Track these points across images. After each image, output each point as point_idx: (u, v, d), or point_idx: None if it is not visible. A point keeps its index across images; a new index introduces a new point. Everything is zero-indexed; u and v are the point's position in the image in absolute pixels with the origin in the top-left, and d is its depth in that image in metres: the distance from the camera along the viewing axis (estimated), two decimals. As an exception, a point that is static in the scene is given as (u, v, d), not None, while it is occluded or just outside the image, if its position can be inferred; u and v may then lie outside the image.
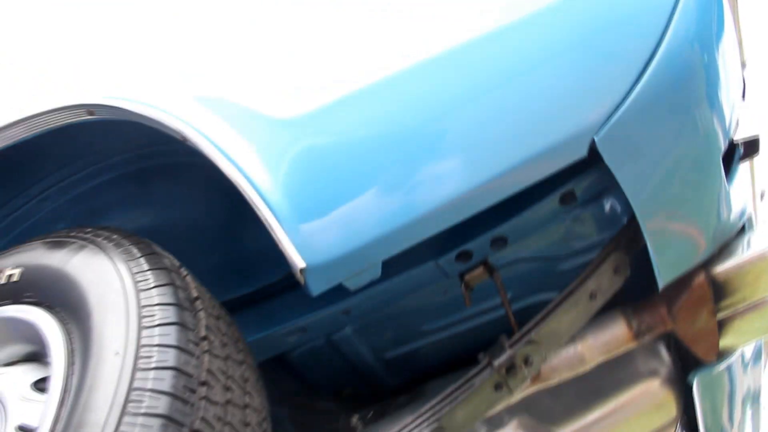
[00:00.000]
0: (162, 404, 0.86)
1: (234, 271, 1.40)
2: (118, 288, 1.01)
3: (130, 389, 0.87)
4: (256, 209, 0.98)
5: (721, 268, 1.20)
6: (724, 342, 1.30)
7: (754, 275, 1.20)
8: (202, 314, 1.02)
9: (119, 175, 1.38)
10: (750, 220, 1.27)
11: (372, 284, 1.34)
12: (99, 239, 1.13)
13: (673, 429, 1.53)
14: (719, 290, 1.21)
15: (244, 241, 1.38)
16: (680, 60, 0.99)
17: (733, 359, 1.39)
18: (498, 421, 1.50)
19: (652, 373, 1.45)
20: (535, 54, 0.97)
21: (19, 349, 1.13)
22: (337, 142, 1.01)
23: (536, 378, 1.29)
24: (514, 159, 0.98)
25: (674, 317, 1.25)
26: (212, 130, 1.04)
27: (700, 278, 1.20)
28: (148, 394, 0.86)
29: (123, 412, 0.84)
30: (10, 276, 1.14)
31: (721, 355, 1.34)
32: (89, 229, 1.17)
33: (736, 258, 1.20)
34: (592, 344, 1.28)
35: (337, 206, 0.98)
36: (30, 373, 1.07)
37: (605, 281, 1.14)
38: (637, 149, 1.01)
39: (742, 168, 1.27)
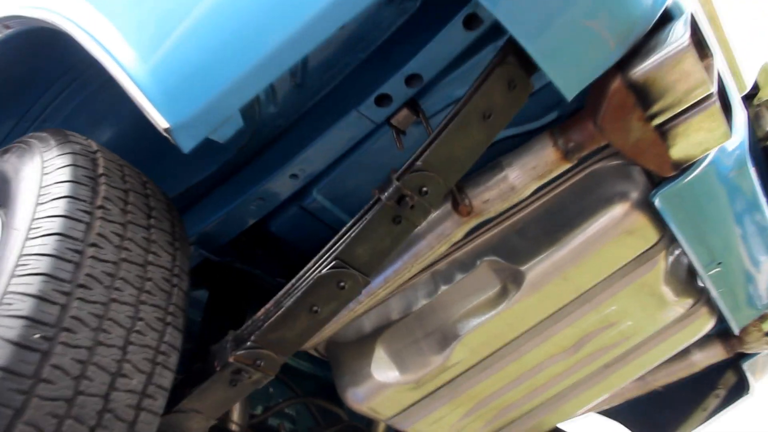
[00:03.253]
0: (43, 265, 0.96)
1: (182, 164, 1.49)
2: (32, 176, 1.12)
3: (20, 256, 0.98)
4: (117, 81, 1.03)
5: (639, 69, 1.08)
6: (676, 153, 1.18)
7: (680, 72, 1.06)
8: (102, 188, 1.10)
9: (93, 91, 1.50)
10: (676, 5, 1.11)
11: (304, 144, 1.38)
12: (32, 140, 1.24)
13: (663, 252, 1.44)
14: (643, 94, 1.09)
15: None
16: None
17: (701, 171, 1.27)
18: (470, 264, 1.50)
19: (621, 197, 1.36)
20: None
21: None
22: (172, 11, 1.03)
23: (470, 212, 1.27)
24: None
25: (601, 129, 1.16)
26: (87, 22, 1.09)
27: (616, 83, 1.09)
28: (33, 257, 0.97)
29: (11, 275, 0.96)
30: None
31: (679, 167, 1.23)
32: (32, 133, 1.29)
33: (654, 55, 1.07)
34: (520, 170, 1.22)
35: (186, 68, 1.01)
36: None
37: (498, 98, 1.07)
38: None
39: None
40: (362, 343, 1.59)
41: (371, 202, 1.11)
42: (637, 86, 1.09)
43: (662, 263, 1.46)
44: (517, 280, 1.43)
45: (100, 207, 1.07)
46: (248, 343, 1.14)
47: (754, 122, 1.64)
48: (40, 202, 1.04)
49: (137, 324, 1.02)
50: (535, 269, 1.41)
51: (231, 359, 1.14)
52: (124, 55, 1.05)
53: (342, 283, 1.13)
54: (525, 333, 1.52)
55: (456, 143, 1.08)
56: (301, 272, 1.15)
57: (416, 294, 1.55)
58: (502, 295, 1.45)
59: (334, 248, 1.12)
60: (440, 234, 1.31)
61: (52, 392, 0.91)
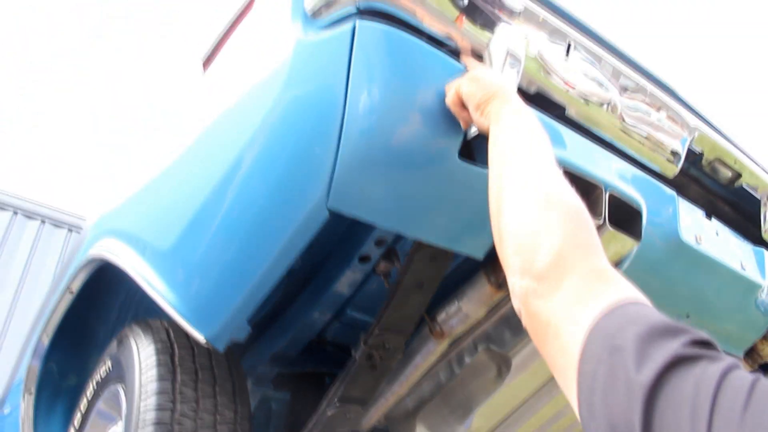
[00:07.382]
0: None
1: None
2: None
3: None
4: (173, 317, 1.54)
5: None
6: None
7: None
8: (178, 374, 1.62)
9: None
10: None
11: (322, 292, 1.82)
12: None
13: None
14: None
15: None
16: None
17: (629, 265, 1.54)
18: (473, 350, 1.87)
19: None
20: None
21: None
22: (194, 265, 1.52)
23: (443, 334, 1.64)
24: (283, 239, 1.36)
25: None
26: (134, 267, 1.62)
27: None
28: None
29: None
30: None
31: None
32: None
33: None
34: (468, 302, 1.57)
35: (208, 302, 1.49)
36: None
37: (425, 271, 1.44)
38: (369, 187, 1.28)
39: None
40: (408, 420, 2.02)
41: (350, 363, 1.53)
42: None
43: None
44: (507, 363, 1.78)
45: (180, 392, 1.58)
46: None
47: (713, 176, 1.84)
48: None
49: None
50: (518, 355, 1.76)
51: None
52: (167, 293, 1.55)
53: (348, 414, 1.57)
54: (529, 399, 1.86)
55: (402, 310, 1.47)
56: (318, 408, 1.60)
57: (440, 377, 1.95)
58: (498, 376, 1.81)
59: (334, 392, 1.56)
60: (426, 352, 1.70)
61: None
